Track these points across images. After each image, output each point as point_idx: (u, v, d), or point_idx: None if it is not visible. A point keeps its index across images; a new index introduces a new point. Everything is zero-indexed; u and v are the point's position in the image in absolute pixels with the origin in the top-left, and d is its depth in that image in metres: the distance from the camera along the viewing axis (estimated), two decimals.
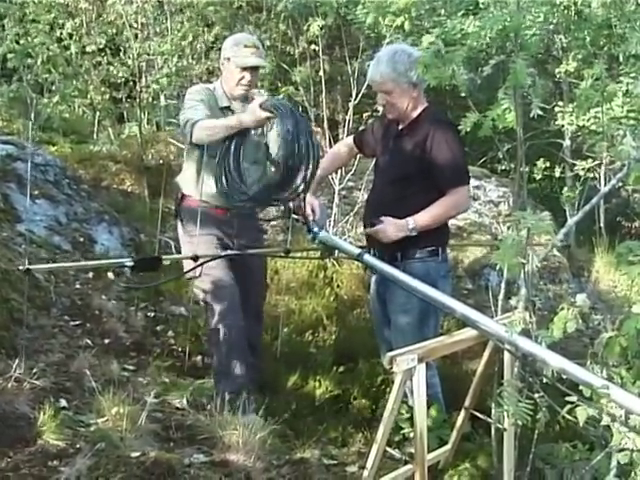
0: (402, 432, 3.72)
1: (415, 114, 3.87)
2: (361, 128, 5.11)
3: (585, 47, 7.09)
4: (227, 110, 4.12)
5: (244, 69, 4.05)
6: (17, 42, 8.03)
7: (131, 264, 3.26)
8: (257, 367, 4.24)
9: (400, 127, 3.94)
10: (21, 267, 3.20)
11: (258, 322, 4.34)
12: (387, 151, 4.00)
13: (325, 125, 7.22)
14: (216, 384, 3.97)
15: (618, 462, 2.57)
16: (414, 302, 3.62)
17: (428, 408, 3.52)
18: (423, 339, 3.41)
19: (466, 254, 6.75)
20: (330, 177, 6.46)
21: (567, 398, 2.53)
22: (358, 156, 5.65)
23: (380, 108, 4.06)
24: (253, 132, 4.01)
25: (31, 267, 3.22)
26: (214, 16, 9.05)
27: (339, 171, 6.58)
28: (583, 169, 7.47)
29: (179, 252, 4.38)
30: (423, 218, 3.72)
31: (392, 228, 3.72)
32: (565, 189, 8.33)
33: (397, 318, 3.88)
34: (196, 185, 4.01)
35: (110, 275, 3.52)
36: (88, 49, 8.43)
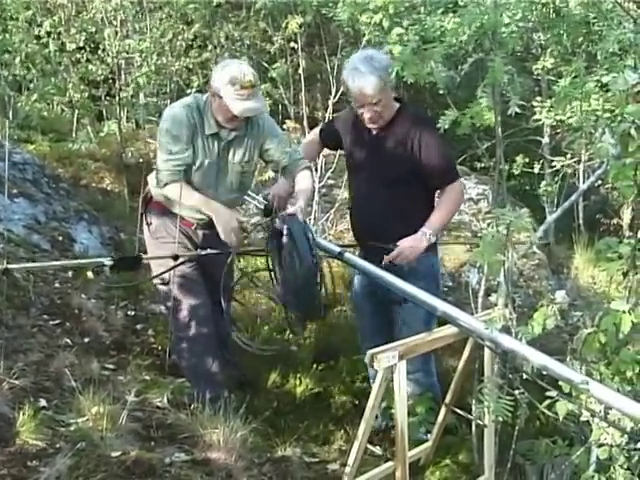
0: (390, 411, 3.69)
1: (391, 115, 3.81)
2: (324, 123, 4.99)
3: (562, 44, 7.12)
4: (214, 138, 3.76)
5: None
6: None
7: (110, 263, 3.24)
8: (232, 362, 4.22)
9: (376, 129, 3.85)
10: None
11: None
12: (366, 152, 3.91)
13: (305, 123, 7.21)
14: (195, 386, 3.91)
15: (597, 457, 2.59)
16: None
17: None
18: None
19: (446, 251, 6.74)
20: None
21: (547, 394, 2.55)
22: (337, 153, 5.64)
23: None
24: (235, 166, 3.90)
25: (10, 266, 3.18)
26: (194, 14, 9.02)
27: (319, 169, 6.57)
28: (562, 165, 7.48)
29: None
30: (435, 222, 3.70)
31: (412, 245, 3.64)
32: (543, 183, 8.34)
33: (413, 316, 3.77)
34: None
35: (89, 274, 3.50)
36: (67, 47, 8.39)
